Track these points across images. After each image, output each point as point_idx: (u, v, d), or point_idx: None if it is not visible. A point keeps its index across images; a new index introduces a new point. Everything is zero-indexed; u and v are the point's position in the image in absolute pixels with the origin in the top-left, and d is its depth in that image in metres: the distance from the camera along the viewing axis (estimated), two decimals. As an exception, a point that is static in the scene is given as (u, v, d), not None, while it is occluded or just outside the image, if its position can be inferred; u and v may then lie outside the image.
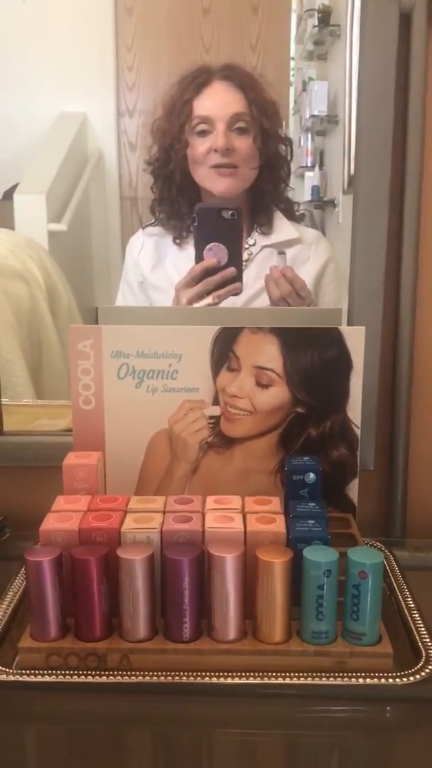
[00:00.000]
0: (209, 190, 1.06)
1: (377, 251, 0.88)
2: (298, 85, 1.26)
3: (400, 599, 0.76)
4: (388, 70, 0.84)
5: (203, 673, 0.65)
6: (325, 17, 1.18)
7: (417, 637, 0.70)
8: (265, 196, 1.09)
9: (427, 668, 0.66)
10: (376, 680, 0.65)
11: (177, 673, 0.65)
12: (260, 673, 0.65)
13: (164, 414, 0.83)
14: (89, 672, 0.66)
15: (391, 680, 0.65)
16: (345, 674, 0.66)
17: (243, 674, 0.65)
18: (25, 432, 0.98)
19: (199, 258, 0.99)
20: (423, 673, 0.65)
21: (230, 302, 0.99)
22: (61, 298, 1.20)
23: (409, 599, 0.76)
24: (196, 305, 0.98)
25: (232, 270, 0.98)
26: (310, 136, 1.25)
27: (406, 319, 0.90)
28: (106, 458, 0.83)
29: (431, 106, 0.87)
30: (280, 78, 1.26)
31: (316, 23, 1.19)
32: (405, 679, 0.65)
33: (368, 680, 0.65)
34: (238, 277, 0.99)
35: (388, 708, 0.65)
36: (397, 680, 0.65)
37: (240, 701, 0.65)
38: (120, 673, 0.66)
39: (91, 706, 0.65)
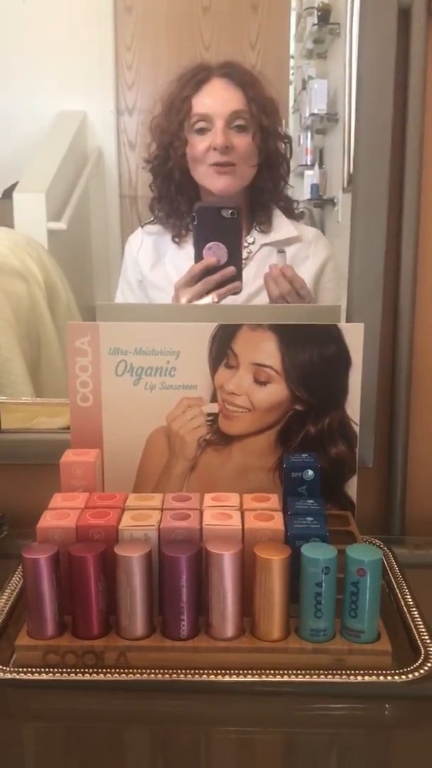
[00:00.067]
0: (208, 189, 1.06)
1: (376, 248, 0.88)
2: (298, 84, 1.26)
3: (399, 597, 0.76)
4: (387, 65, 0.84)
5: (201, 671, 0.65)
6: (324, 15, 1.18)
7: (416, 634, 0.70)
8: (265, 194, 1.08)
9: (426, 666, 0.66)
10: (374, 678, 0.65)
11: (174, 671, 0.65)
12: (258, 671, 0.65)
13: (162, 411, 0.83)
14: (86, 670, 0.66)
15: (389, 678, 0.65)
16: (343, 672, 0.65)
17: (241, 672, 0.65)
18: (24, 430, 0.98)
19: (198, 257, 0.98)
20: (422, 671, 0.65)
21: (229, 301, 0.99)
22: (60, 296, 1.19)
23: (408, 597, 0.76)
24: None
25: (231, 269, 0.98)
26: (309, 134, 1.25)
27: (406, 316, 0.90)
28: (104, 455, 0.82)
29: (430, 102, 0.87)
30: (279, 76, 1.26)
31: (316, 21, 1.19)
32: (404, 677, 0.65)
33: (367, 678, 0.65)
34: (237, 276, 0.98)
35: (386, 706, 0.64)
36: (396, 678, 0.65)
37: (238, 699, 0.65)
38: (117, 670, 0.66)
39: (88, 704, 0.65)
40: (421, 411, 0.94)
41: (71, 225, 1.27)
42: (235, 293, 0.99)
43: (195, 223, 0.98)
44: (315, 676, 0.65)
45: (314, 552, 0.66)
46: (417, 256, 0.90)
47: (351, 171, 0.90)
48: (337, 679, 0.65)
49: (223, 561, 0.65)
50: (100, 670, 0.66)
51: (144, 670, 0.65)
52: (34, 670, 0.66)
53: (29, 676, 0.65)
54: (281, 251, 1.07)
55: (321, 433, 0.83)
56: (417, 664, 0.66)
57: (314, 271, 1.07)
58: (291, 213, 1.11)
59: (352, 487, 0.85)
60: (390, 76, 0.84)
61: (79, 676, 0.65)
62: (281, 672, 0.65)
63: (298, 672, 0.65)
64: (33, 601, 0.67)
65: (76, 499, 0.74)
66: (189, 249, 1.02)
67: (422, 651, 0.68)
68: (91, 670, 0.66)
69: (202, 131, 1.04)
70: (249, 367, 0.82)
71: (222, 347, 0.82)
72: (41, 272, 1.18)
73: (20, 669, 0.66)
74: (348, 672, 0.65)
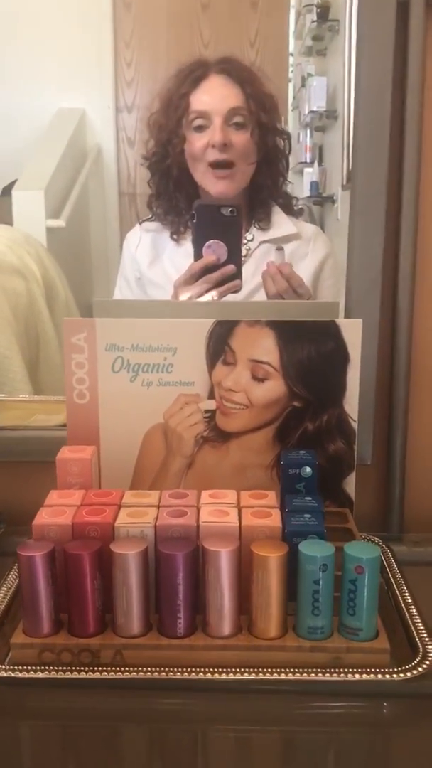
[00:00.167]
0: (206, 191, 1.05)
1: (375, 244, 0.88)
2: (297, 81, 1.26)
3: (398, 594, 0.76)
4: (385, 61, 0.84)
5: (198, 669, 0.65)
6: (323, 12, 1.18)
7: (414, 632, 0.70)
8: (264, 190, 1.08)
9: (424, 664, 0.65)
10: (372, 676, 0.64)
11: (171, 669, 0.65)
12: (255, 669, 0.65)
13: (159, 408, 0.82)
14: (82, 668, 0.65)
15: (388, 676, 0.64)
16: (341, 670, 0.65)
17: (238, 670, 0.65)
18: (21, 427, 0.97)
19: (198, 255, 0.98)
20: (420, 669, 0.65)
21: (229, 299, 0.99)
22: (58, 293, 1.19)
23: (407, 594, 0.75)
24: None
25: (231, 267, 0.98)
26: (309, 131, 1.25)
27: (404, 312, 0.90)
28: (101, 453, 0.82)
29: (429, 99, 0.87)
30: (278, 74, 1.26)
31: (315, 18, 1.19)
32: (402, 675, 0.64)
33: (365, 676, 0.64)
34: (237, 275, 0.98)
35: (385, 704, 0.64)
36: (394, 676, 0.64)
37: (235, 697, 0.64)
38: (113, 669, 0.65)
39: (84, 702, 0.64)
40: (420, 407, 0.94)
41: (70, 222, 1.27)
42: (235, 291, 0.98)
43: (194, 221, 0.98)
44: (313, 675, 0.64)
45: (312, 549, 0.65)
46: (415, 252, 0.89)
47: (351, 168, 0.90)
48: (335, 677, 0.64)
49: (220, 558, 0.65)
50: (96, 669, 0.65)
51: (140, 669, 0.65)
52: (29, 668, 0.65)
53: (25, 675, 0.65)
54: (280, 248, 1.07)
55: (319, 430, 0.83)
56: (415, 662, 0.66)
57: (313, 269, 1.07)
58: (290, 210, 1.11)
59: (350, 484, 0.84)
60: (388, 72, 0.84)
61: (75, 675, 0.65)
62: (279, 670, 0.65)
63: (296, 670, 0.65)
64: (29, 599, 0.66)
65: (73, 496, 0.73)
66: (187, 246, 1.02)
67: (420, 649, 0.67)
68: (87, 668, 0.65)
69: (200, 128, 1.04)
70: (247, 364, 0.82)
71: (219, 344, 0.82)
72: (40, 270, 1.18)
73: (16, 667, 0.65)
74: (346, 670, 0.65)
